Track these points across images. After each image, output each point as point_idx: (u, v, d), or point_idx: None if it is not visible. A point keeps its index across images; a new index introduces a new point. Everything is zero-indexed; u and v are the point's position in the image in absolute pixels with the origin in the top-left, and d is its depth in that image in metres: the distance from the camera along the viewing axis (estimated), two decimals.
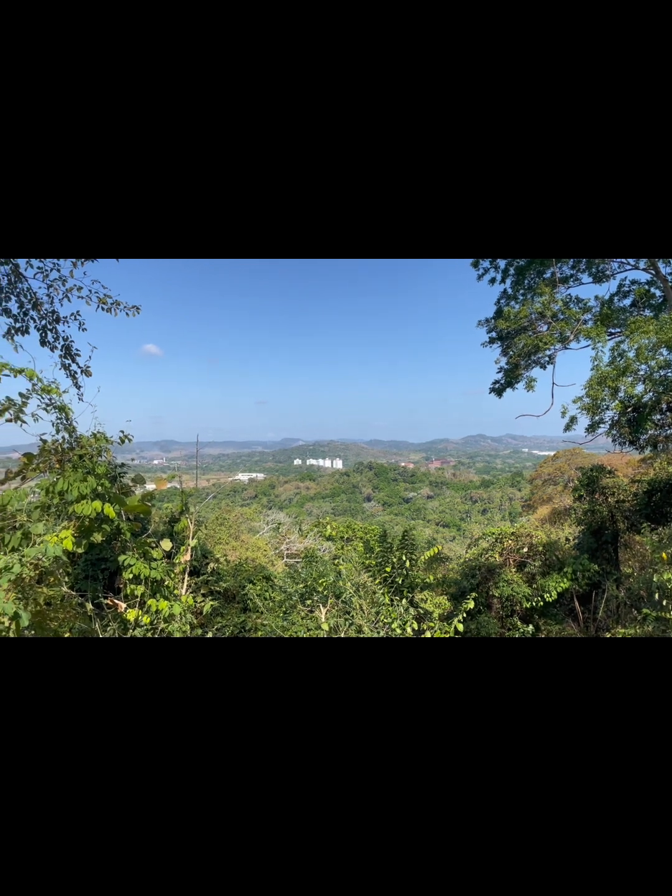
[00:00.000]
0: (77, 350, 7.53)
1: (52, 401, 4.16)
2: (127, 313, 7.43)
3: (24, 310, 7.23)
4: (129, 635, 4.55)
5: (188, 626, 4.89)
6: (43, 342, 7.40)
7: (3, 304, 7.02)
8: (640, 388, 10.72)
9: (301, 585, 9.16)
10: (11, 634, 3.61)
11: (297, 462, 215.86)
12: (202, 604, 5.78)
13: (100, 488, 4.19)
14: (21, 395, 4.13)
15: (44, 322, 7.38)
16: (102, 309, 7.18)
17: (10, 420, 4.01)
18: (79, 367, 7.54)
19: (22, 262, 6.84)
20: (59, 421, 4.33)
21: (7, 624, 3.45)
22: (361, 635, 6.14)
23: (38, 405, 4.16)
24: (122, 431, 4.72)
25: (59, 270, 6.78)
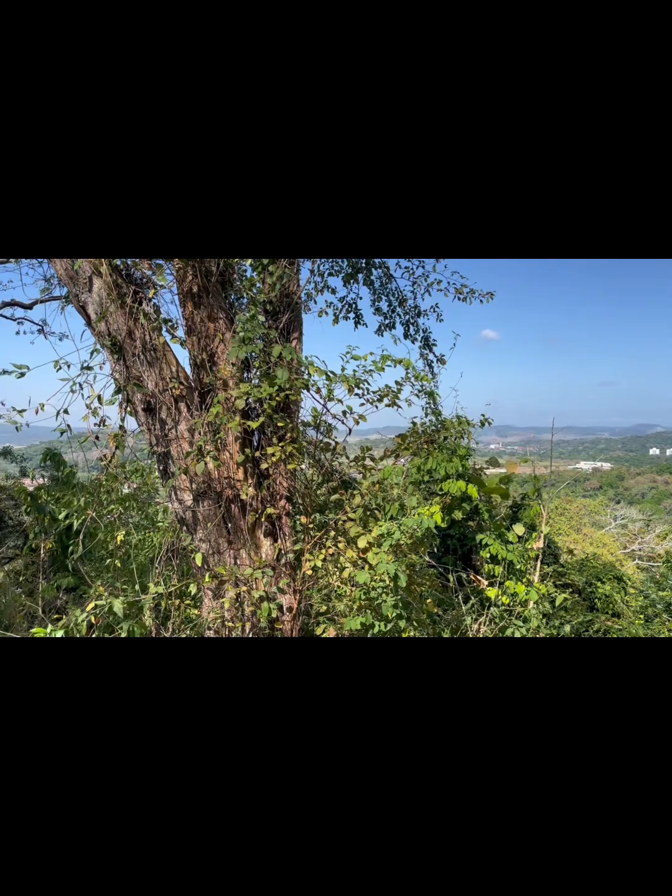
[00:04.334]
0: (434, 340, 8.13)
1: (424, 387, 4.58)
2: (481, 301, 7.62)
3: (391, 307, 8.19)
4: (486, 613, 4.72)
5: (543, 616, 4.78)
6: (406, 335, 8.24)
7: (376, 304, 8.10)
8: None
9: (667, 592, 7.98)
10: (388, 591, 4.15)
11: (654, 451, 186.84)
12: (555, 594, 5.59)
13: (461, 469, 4.43)
14: (396, 382, 4.66)
15: (407, 317, 8.20)
16: (458, 299, 7.52)
17: (388, 405, 4.58)
18: (435, 356, 8.15)
19: (392, 264, 7.71)
20: (427, 406, 4.74)
21: (388, 582, 3.98)
22: None
23: (411, 391, 4.63)
24: (483, 415, 4.89)
25: (423, 267, 7.37)
